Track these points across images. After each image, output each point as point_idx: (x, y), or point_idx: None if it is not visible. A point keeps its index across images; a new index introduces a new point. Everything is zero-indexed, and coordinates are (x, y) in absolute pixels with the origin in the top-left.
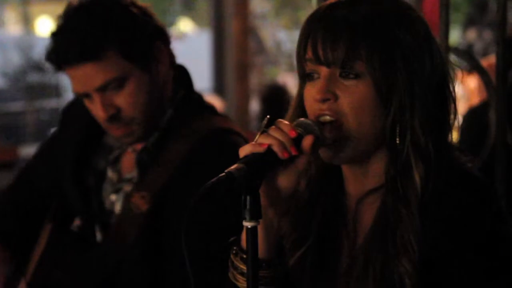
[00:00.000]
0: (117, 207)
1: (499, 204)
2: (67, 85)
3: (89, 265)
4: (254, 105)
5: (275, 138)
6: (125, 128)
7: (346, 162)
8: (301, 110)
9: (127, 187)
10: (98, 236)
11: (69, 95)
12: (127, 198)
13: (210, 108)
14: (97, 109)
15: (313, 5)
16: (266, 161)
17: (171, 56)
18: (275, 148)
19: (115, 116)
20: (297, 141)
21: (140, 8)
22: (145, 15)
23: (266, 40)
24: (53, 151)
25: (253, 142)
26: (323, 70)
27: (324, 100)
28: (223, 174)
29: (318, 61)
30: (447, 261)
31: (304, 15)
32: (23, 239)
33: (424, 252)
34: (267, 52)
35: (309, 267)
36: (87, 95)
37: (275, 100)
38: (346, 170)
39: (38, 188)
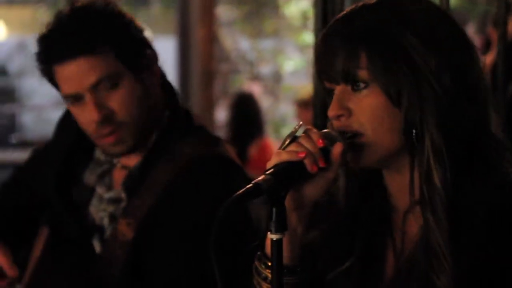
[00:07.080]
0: (106, 223)
1: None
2: (26, 90)
3: (87, 278)
4: (219, 113)
5: (306, 149)
6: (116, 134)
7: (371, 165)
8: None
9: (110, 208)
10: (97, 247)
11: (28, 101)
12: (115, 225)
13: (198, 128)
14: (89, 111)
15: (280, 15)
16: (294, 174)
17: (162, 73)
18: (306, 160)
19: (108, 118)
20: (324, 153)
21: (130, 18)
22: (135, 24)
23: (229, 48)
24: (42, 159)
25: (288, 150)
26: (336, 87)
27: (338, 117)
28: (251, 185)
29: (326, 80)
30: (488, 271)
31: (270, 24)
32: (16, 241)
33: (460, 262)
34: (231, 60)
35: (353, 282)
36: (78, 98)
37: (245, 108)
38: (388, 180)
39: (31, 191)
